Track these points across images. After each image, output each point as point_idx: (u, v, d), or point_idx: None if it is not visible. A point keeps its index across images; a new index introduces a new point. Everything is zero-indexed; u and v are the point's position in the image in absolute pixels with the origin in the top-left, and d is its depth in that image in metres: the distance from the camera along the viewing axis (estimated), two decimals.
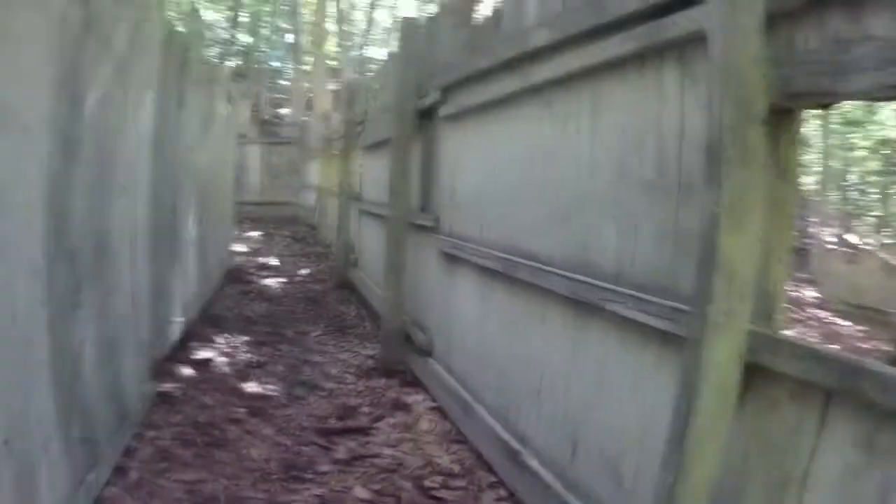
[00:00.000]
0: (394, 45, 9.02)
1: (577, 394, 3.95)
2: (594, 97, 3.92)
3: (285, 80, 45.98)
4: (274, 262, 16.08)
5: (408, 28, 7.27)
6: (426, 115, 7.21)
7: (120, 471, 4.79)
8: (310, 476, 5.40)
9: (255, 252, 17.64)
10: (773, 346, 2.47)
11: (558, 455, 4.14)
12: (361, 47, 46.39)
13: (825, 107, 2.77)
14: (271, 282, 13.75)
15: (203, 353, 8.15)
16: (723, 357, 2.50)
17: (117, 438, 4.90)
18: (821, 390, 2.30)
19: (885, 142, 26.93)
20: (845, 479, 2.23)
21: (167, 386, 6.65)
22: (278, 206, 25.30)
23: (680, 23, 3.02)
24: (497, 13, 5.33)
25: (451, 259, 6.15)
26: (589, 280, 3.74)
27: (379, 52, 50.59)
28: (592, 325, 3.81)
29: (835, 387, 2.22)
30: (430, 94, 6.72)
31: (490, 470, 5.02)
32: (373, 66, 36.07)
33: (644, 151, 3.45)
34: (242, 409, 6.64)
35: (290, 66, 43.11)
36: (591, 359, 3.82)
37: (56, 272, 3.63)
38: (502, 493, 4.75)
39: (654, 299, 3.18)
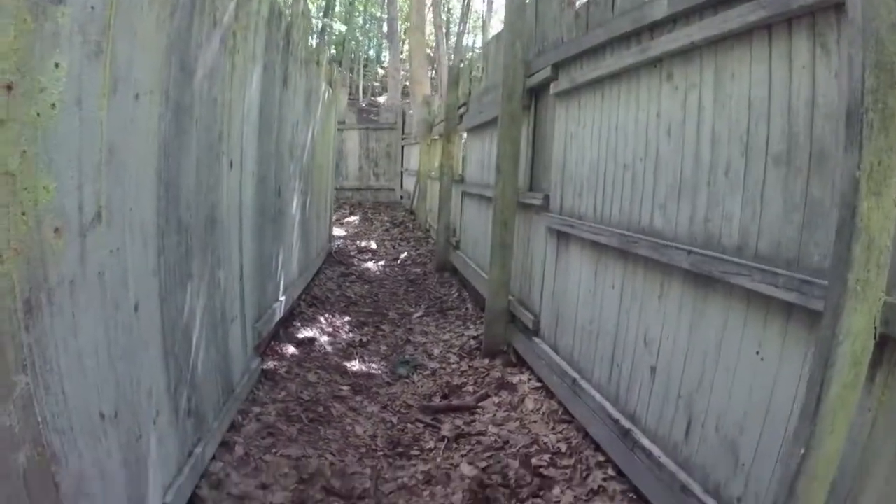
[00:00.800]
0: (492, 31, 8.94)
1: (693, 370, 3.84)
2: (717, 69, 3.80)
3: (380, 67, 46.39)
4: (373, 245, 16.20)
5: (514, 7, 7.19)
6: (535, 93, 7.14)
7: (225, 445, 4.87)
8: (415, 452, 5.41)
9: (354, 236, 17.80)
10: None
11: (671, 432, 4.04)
12: (458, 35, 46.50)
13: None
14: (371, 265, 13.86)
15: (306, 332, 8.24)
16: (859, 327, 2.40)
17: (223, 413, 4.95)
18: None
19: None
20: None
21: (271, 363, 6.74)
22: (376, 191, 25.51)
23: None
24: None
25: (562, 237, 6.05)
26: (712, 253, 3.65)
27: (475, 40, 50.85)
28: (713, 300, 3.70)
29: None
30: (540, 71, 6.63)
31: (598, 449, 4.94)
32: (467, 55, 36.14)
33: (772, 122, 3.33)
34: (346, 387, 6.69)
35: (385, 54, 43.53)
36: (710, 334, 3.71)
37: (167, 241, 3.67)
38: (610, 471, 4.67)
39: (781, 271, 3.09)
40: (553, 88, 6.22)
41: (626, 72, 4.84)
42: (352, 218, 21.22)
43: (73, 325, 2.50)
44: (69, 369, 2.47)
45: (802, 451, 2.46)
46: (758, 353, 3.32)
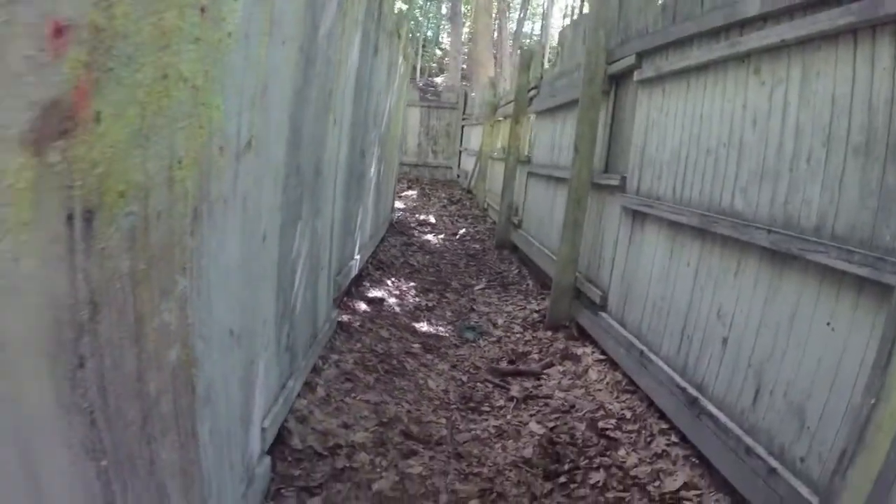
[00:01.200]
0: (553, 20, 9.10)
1: (765, 341, 4.13)
2: (804, 66, 4.06)
3: (437, 48, 46.53)
4: (431, 219, 16.49)
5: None
6: (615, 79, 7.40)
7: (308, 386, 5.22)
8: (486, 409, 5.73)
9: (412, 209, 18.10)
10: None
11: (739, 400, 4.33)
12: (518, 21, 46.54)
13: None
14: (431, 237, 14.17)
15: (375, 293, 8.60)
16: None
17: (309, 355, 5.27)
18: None
19: None
20: None
21: (345, 317, 7.07)
22: (433, 168, 25.85)
23: None
24: None
25: (638, 216, 6.34)
26: (791, 233, 3.92)
27: (533, 27, 50.87)
28: (789, 276, 3.99)
29: None
30: (623, 59, 6.88)
31: (662, 417, 5.23)
32: (524, 41, 36.11)
33: (853, 117, 3.61)
34: (417, 345, 7.02)
35: (442, 35, 43.59)
36: (784, 307, 4.00)
37: (289, 182, 3.99)
38: (674, 438, 4.95)
39: (856, 249, 3.39)
40: (637, 76, 6.47)
41: (714, 64, 5.09)
42: (410, 192, 21.51)
43: (222, 241, 2.75)
44: (216, 282, 2.70)
45: (873, 401, 2.74)
46: (828, 324, 3.60)
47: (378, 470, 4.39)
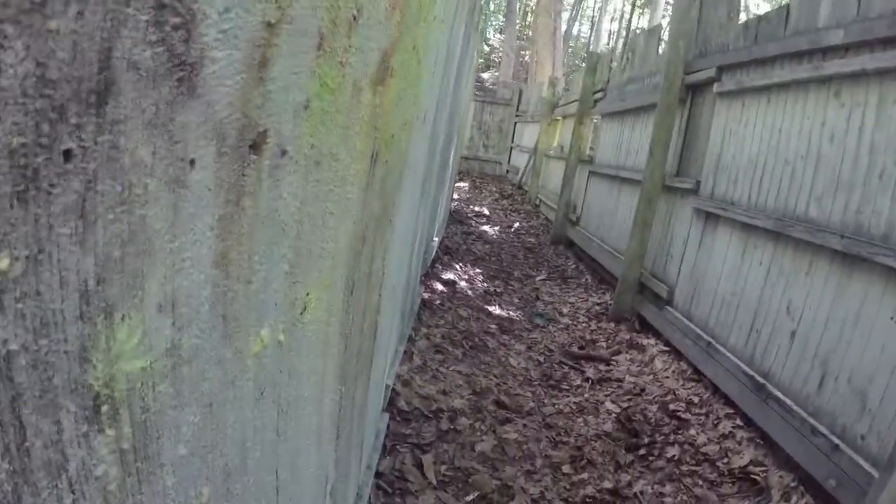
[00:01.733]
0: (604, 25, 9.39)
1: (832, 333, 4.70)
2: (882, 93, 4.60)
3: (485, 44, 46.74)
4: (486, 211, 16.95)
5: (680, 10, 7.94)
6: (692, 89, 7.92)
7: (406, 354, 5.78)
8: (565, 387, 6.27)
9: (466, 200, 18.55)
10: None
11: (805, 386, 4.88)
12: (568, 22, 46.79)
13: None
14: (487, 228, 14.66)
15: (447, 275, 9.18)
16: None
17: (408, 325, 5.75)
18: None
19: None
20: None
21: (426, 295, 7.62)
22: (483, 162, 26.28)
23: None
24: (783, 9, 5.95)
25: (710, 218, 6.87)
26: (861, 239, 4.49)
27: (580, 29, 51.06)
28: (857, 276, 4.55)
29: None
30: (702, 70, 7.39)
31: (727, 403, 5.74)
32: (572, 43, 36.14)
33: None
34: (494, 326, 7.58)
35: (490, 31, 43.84)
36: (851, 303, 4.57)
37: (431, 146, 4.43)
38: (738, 422, 5.47)
39: None
40: (716, 88, 6.97)
41: (796, 83, 5.60)
42: (462, 184, 21.90)
43: (403, 203, 3.10)
44: (398, 235, 3.09)
45: None
46: (892, 318, 4.17)
47: (478, 433, 4.94)
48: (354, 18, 1.39)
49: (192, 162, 0.81)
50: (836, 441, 4.33)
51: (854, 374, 4.39)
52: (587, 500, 4.42)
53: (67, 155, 0.60)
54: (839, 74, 4.99)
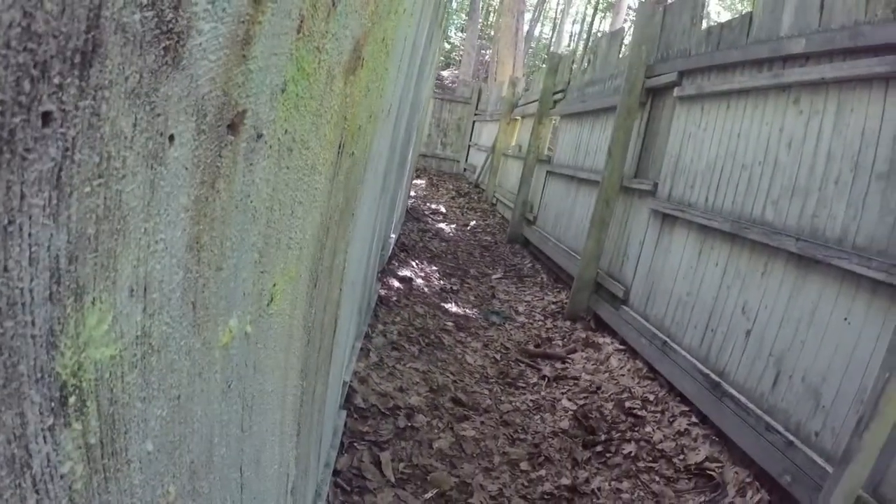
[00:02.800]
0: (566, 27, 9.42)
1: (787, 333, 4.79)
2: (840, 102, 4.71)
3: (446, 42, 46.77)
4: (442, 209, 16.98)
5: (644, 16, 8.01)
6: (652, 93, 8.00)
7: (362, 350, 5.76)
8: (522, 385, 6.30)
9: (423, 198, 18.55)
10: None
11: (760, 384, 4.98)
12: (530, 23, 46.96)
13: None
14: (444, 226, 14.68)
15: (404, 272, 9.19)
16: None
17: (365, 321, 5.74)
18: None
19: None
20: None
21: (382, 291, 7.62)
22: (441, 160, 26.30)
23: None
24: (745, 17, 6.02)
25: (668, 220, 6.94)
26: (817, 242, 4.57)
27: (542, 30, 51.32)
28: (812, 278, 4.65)
29: None
30: (664, 75, 7.46)
31: (683, 401, 5.81)
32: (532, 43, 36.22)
33: (879, 148, 4.29)
34: (450, 323, 7.59)
35: (451, 29, 43.88)
36: (806, 304, 4.67)
37: (393, 144, 4.42)
38: (693, 419, 5.53)
39: (875, 257, 4.06)
40: (677, 92, 7.05)
41: (756, 90, 5.68)
42: (419, 181, 21.90)
43: (364, 197, 3.09)
44: (358, 231, 3.07)
45: (887, 375, 3.42)
46: (846, 319, 4.28)
47: (436, 431, 4.95)
48: (333, 4, 1.39)
49: (171, 138, 0.79)
50: (791, 438, 4.42)
51: (808, 373, 4.48)
52: (545, 496, 4.45)
53: (46, 118, 0.56)
54: (799, 82, 5.10)
